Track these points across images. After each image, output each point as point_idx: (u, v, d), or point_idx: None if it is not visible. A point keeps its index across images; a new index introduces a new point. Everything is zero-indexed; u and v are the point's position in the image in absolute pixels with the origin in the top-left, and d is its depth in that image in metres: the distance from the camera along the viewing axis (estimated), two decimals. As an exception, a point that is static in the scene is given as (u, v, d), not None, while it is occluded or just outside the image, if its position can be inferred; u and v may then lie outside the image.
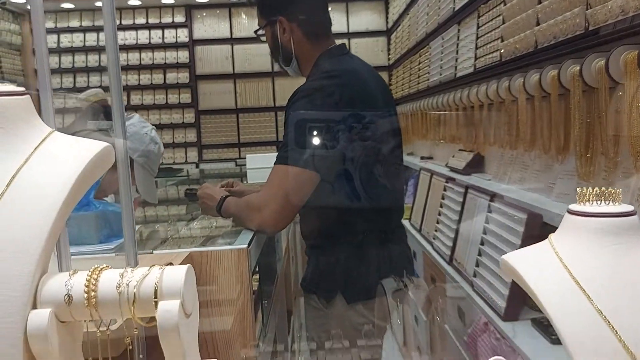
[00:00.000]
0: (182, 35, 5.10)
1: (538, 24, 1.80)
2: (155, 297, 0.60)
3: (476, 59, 2.51)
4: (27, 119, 0.69)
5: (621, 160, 1.44)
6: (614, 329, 0.59)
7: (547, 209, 1.65)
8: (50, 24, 4.90)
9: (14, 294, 0.59)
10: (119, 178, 0.89)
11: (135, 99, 4.94)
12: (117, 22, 0.91)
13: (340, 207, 1.61)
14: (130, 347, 0.64)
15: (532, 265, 0.67)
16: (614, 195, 0.67)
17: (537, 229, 1.65)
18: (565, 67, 1.61)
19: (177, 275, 0.62)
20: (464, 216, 2.27)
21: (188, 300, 0.62)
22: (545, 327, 1.55)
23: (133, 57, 5.00)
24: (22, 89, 0.69)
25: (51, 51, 0.88)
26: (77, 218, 1.38)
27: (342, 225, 1.64)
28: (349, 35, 4.75)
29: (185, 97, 5.07)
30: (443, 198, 2.60)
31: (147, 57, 5.05)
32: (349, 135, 1.53)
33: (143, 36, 5.08)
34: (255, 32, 1.73)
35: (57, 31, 4.92)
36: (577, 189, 0.69)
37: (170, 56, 5.07)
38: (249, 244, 1.39)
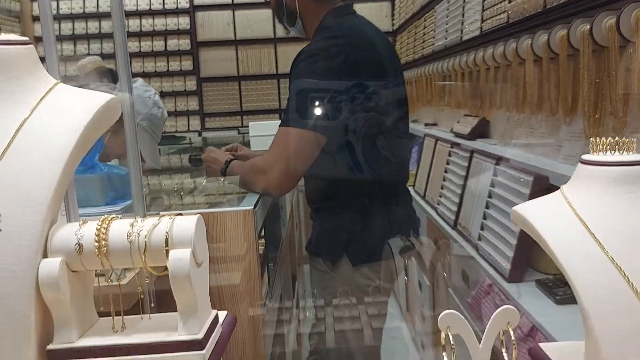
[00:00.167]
0: (183, 0, 5.02)
1: (547, -18, 1.76)
2: (166, 246, 0.60)
3: (483, 21, 2.46)
4: (32, 70, 0.68)
5: (630, 120, 1.42)
6: (625, 274, 0.59)
7: (554, 170, 1.64)
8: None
9: (24, 243, 0.59)
10: (126, 133, 0.88)
11: (137, 66, 4.88)
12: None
13: (344, 170, 1.61)
14: (142, 297, 0.64)
15: (543, 214, 0.67)
16: (627, 144, 0.66)
17: (544, 191, 1.63)
18: (575, 26, 1.57)
19: (187, 224, 0.62)
20: (468, 181, 2.26)
21: (199, 249, 0.62)
22: (550, 288, 1.56)
23: (134, 24, 4.93)
24: (26, 38, 0.68)
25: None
26: (82, 180, 1.38)
27: (346, 188, 1.63)
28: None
29: (187, 64, 5.01)
30: (448, 163, 2.59)
31: (147, 23, 4.98)
32: (354, 97, 1.51)
33: (143, 2, 5.00)
34: None
35: (57, -2, 4.84)
36: (591, 138, 0.68)
37: (171, 22, 5.00)
38: (255, 206, 1.39)
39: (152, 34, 5.01)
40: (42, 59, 0.74)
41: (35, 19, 4.76)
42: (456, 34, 2.87)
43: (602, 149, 0.67)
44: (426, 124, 3.49)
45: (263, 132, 3.05)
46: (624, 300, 0.59)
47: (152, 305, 0.73)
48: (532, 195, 1.66)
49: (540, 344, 0.78)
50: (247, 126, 3.83)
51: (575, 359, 0.68)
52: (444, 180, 2.59)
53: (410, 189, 3.18)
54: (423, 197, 2.93)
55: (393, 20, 4.98)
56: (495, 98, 2.37)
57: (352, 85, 1.49)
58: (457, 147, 2.54)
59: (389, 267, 1.67)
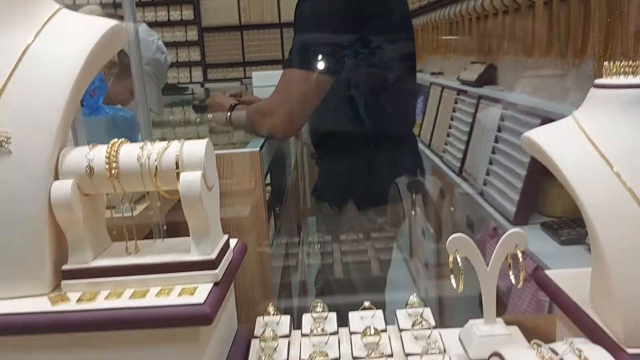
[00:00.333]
0: (183, -54, 4.88)
1: None
2: (177, 168, 0.60)
3: (491, -37, 2.39)
4: (34, -6, 0.67)
5: (641, 60, 1.40)
6: (635, 194, 0.59)
7: (562, 113, 1.61)
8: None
9: (36, 165, 0.59)
10: (131, 61, 0.87)
11: (137, 16, 4.78)
12: None
13: (350, 115, 1.60)
14: (152, 215, 0.64)
15: (554, 138, 0.66)
16: (641, 67, 0.65)
17: (551, 134, 1.63)
18: (588, -38, 1.53)
19: (197, 147, 0.62)
20: (475, 127, 2.25)
21: (209, 173, 0.62)
22: (555, 230, 1.57)
23: (133, -27, 4.81)
24: (27, -39, 0.66)
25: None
26: (87, 122, 1.37)
27: (352, 132, 1.62)
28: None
29: (188, 13, 4.91)
30: (454, 111, 2.57)
31: (147, -29, 4.87)
32: (360, 40, 1.48)
33: (143, -51, 4.87)
34: None
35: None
36: (605, 62, 0.67)
37: (172, -31, 4.88)
38: (261, 148, 1.39)
39: (152, -18, 4.90)
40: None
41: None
42: (464, -22, 2.79)
43: (616, 72, 0.66)
44: (432, 73, 3.45)
45: (267, 82, 3.02)
46: (636, 222, 0.59)
47: (165, 227, 0.74)
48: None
49: (546, 271, 0.79)
50: (250, 77, 3.78)
51: (581, 284, 0.69)
52: (449, 128, 2.57)
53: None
54: (428, 147, 2.92)
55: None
56: (503, 44, 2.32)
57: (357, 26, 1.46)
58: (463, 94, 2.52)
59: (395, 210, 1.68)
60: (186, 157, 0.60)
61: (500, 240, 0.67)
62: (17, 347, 0.58)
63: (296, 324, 0.75)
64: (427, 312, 0.73)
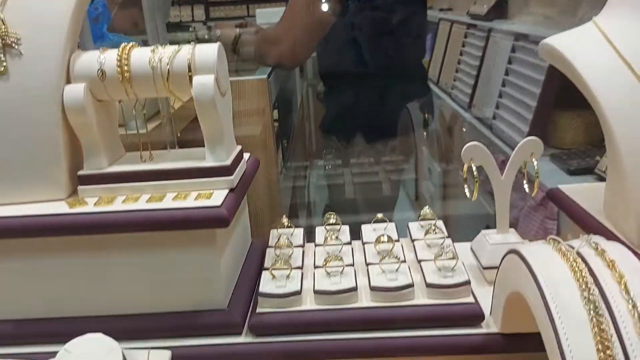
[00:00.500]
0: None
1: None
2: (189, 72, 0.59)
3: None
4: None
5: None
6: (658, 98, 0.58)
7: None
8: None
9: (46, 67, 0.59)
10: None
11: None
12: None
13: (358, 44, 1.57)
14: (164, 122, 0.64)
15: (573, 42, 0.65)
16: (669, -33, 0.62)
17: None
18: None
19: (209, 50, 0.60)
20: (484, 61, 2.20)
21: (222, 77, 0.61)
22: (564, 160, 1.57)
23: None
24: None
25: None
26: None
27: (361, 65, 1.60)
28: None
29: (188, -54, 4.76)
30: (463, 46, 2.51)
31: None
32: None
33: None
34: None
35: None
36: (629, -37, 0.64)
37: None
38: (269, 76, 1.37)
39: None
40: None
41: None
42: None
43: (641, -26, 0.64)
44: (441, 9, 3.36)
45: (271, 19, 2.95)
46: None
47: (178, 134, 0.73)
48: (551, 69, 1.62)
49: (560, 186, 0.79)
50: (254, 15, 3.69)
51: (594, 197, 0.69)
52: (458, 63, 2.52)
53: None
54: (436, 84, 2.88)
55: None
56: (516, -26, 2.25)
57: None
58: (473, 28, 2.45)
59: (402, 144, 1.67)
60: (198, 60, 0.59)
61: (517, 148, 0.66)
62: (35, 250, 0.58)
63: (309, 239, 0.75)
64: (440, 223, 0.74)
